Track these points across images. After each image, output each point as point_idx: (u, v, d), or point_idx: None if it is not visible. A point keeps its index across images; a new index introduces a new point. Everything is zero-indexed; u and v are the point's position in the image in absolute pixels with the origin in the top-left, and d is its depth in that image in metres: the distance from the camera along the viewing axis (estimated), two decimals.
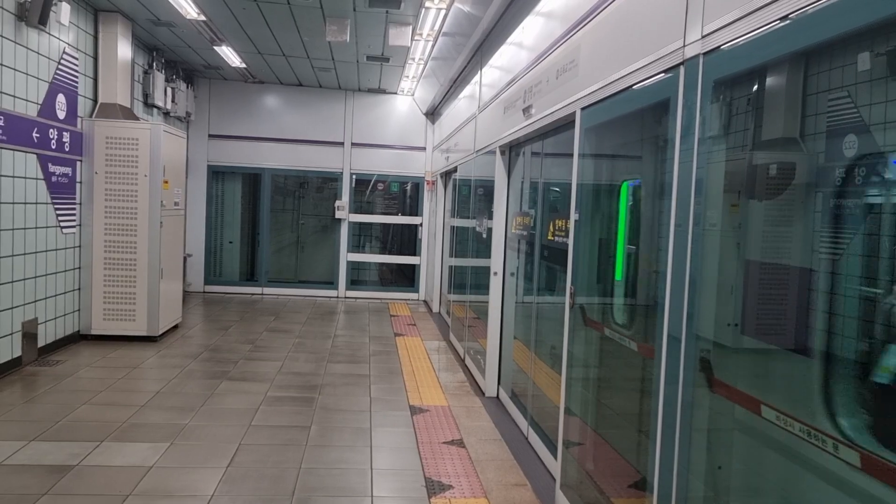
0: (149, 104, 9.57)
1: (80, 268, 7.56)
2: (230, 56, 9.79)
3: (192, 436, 4.86)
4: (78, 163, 7.44)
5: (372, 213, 12.87)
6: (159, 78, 9.67)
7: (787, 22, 1.97)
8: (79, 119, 7.46)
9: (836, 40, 1.93)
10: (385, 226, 13.35)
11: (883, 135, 1.87)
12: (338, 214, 12.17)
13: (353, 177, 12.29)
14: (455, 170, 9.18)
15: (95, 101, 7.87)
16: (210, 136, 11.86)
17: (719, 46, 2.29)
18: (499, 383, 6.24)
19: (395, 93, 12.17)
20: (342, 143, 12.20)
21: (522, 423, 5.32)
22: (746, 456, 2.46)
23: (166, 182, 7.84)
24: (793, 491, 2.21)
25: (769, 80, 2.30)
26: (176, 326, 8.59)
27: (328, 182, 12.65)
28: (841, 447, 1.82)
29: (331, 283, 12.42)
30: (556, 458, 4.05)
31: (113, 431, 4.85)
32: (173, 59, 10.30)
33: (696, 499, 2.48)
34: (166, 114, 10.33)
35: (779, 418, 2.10)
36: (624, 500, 3.31)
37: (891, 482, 1.68)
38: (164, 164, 7.75)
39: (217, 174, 12.17)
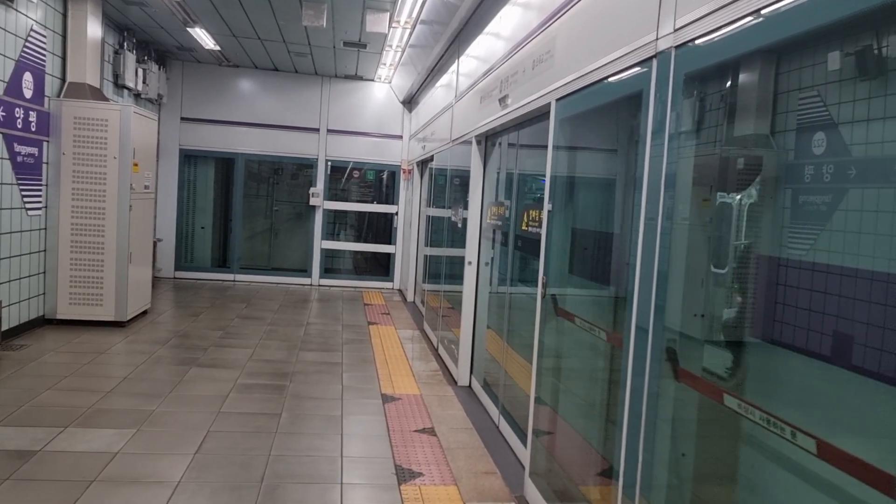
0: (119, 85, 9.39)
1: (45, 250, 7.41)
2: (204, 38, 9.64)
3: (160, 422, 4.81)
4: (45, 143, 7.28)
5: (347, 200, 12.78)
6: (130, 58, 9.48)
7: (757, 17, 1.99)
8: (46, 99, 7.29)
9: (806, 37, 1.95)
10: (360, 214, 13.27)
11: (850, 132, 1.90)
12: (312, 201, 12.08)
13: (329, 164, 12.20)
14: (431, 159, 9.16)
15: (64, 80, 7.70)
16: (182, 119, 11.68)
17: (691, 40, 2.31)
18: (471, 372, 6.26)
19: (373, 80, 12.08)
20: (318, 130, 12.10)
21: (494, 412, 5.35)
22: (711, 443, 2.50)
23: (136, 165, 7.71)
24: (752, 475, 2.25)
25: (741, 76, 2.32)
26: (145, 312, 8.47)
27: (303, 169, 12.53)
28: (799, 434, 1.86)
29: (304, 271, 12.34)
30: (525, 446, 4.08)
31: (78, 417, 4.78)
32: (145, 39, 10.11)
33: (660, 486, 2.52)
34: (137, 95, 10.15)
35: (740, 406, 2.14)
36: (591, 488, 3.35)
37: (845, 468, 1.72)
38: (135, 147, 7.62)
39: (189, 158, 12.00)
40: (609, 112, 3.46)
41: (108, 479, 3.84)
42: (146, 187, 8.22)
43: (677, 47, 2.39)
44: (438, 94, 8.70)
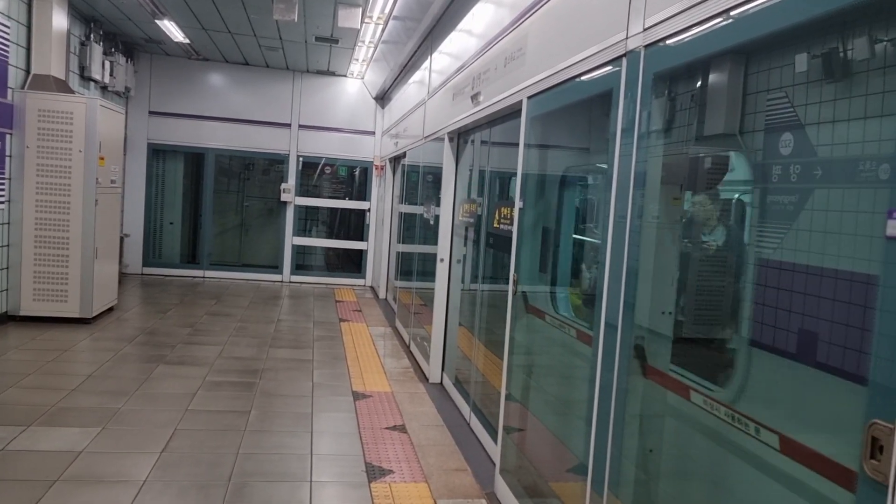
0: (85, 77, 9.20)
1: (8, 245, 7.24)
2: (173, 31, 9.48)
3: (126, 420, 4.73)
4: (8, 136, 7.10)
5: (319, 196, 12.69)
6: (97, 50, 9.30)
7: (726, 18, 2.02)
8: (10, 90, 7.11)
9: (774, 38, 1.98)
10: (332, 210, 13.20)
11: (817, 133, 1.93)
12: (284, 197, 11.97)
13: (301, 159, 12.10)
14: (404, 155, 9.13)
15: (28, 72, 7.52)
16: (151, 112, 11.49)
17: (660, 40, 2.33)
18: (443, 369, 6.26)
19: (345, 75, 12.01)
20: (289, 125, 11.99)
21: (465, 409, 5.36)
22: (678, 439, 2.53)
23: (102, 159, 7.56)
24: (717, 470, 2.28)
25: (711, 77, 2.34)
26: (111, 309, 8.33)
27: (274, 164, 12.42)
28: (762, 430, 1.89)
29: (275, 268, 12.23)
30: (496, 443, 4.09)
31: (41, 415, 4.68)
32: (112, 31, 9.92)
33: (628, 482, 2.54)
34: (104, 88, 9.95)
35: (706, 402, 2.16)
36: (560, 484, 3.37)
37: (806, 463, 1.75)
38: (101, 140, 7.48)
39: (158, 153, 11.81)
40: (580, 110, 3.47)
41: (72, 479, 3.77)
42: (113, 182, 8.07)
43: (647, 47, 2.41)
44: (411, 91, 8.68)
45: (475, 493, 3.97)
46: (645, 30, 2.41)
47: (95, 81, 9.52)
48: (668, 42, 2.30)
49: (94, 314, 7.60)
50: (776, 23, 1.86)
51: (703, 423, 2.26)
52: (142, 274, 11.60)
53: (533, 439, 3.82)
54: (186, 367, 6.16)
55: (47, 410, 4.79)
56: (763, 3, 1.87)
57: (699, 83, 2.41)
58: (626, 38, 2.55)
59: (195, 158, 12.12)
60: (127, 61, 10.68)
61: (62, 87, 7.77)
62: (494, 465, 4.10)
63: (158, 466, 4.02)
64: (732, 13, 1.99)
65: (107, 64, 9.74)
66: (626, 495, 2.51)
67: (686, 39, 2.20)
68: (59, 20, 7.76)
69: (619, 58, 2.61)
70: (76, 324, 7.45)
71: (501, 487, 3.87)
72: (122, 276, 10.19)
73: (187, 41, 10.15)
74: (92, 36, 9.24)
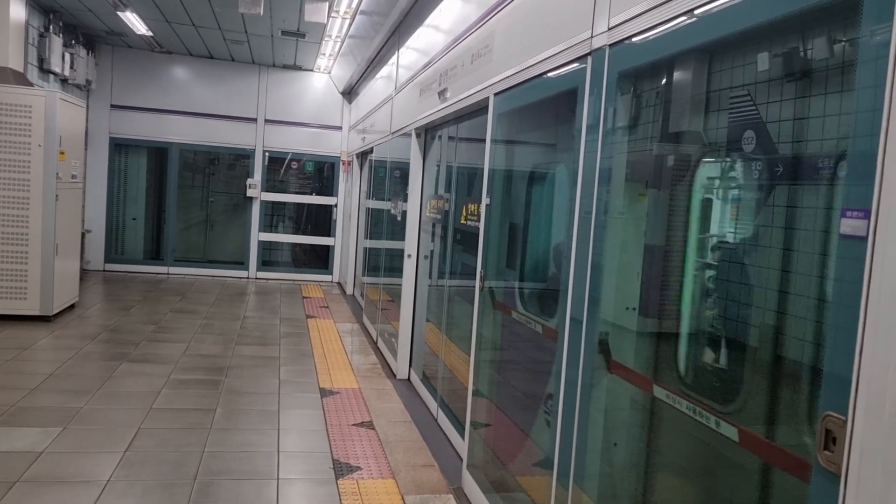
0: (44, 70, 8.97)
1: None
2: (135, 23, 9.29)
3: (88, 420, 4.64)
4: None
5: (286, 192, 12.58)
6: (56, 42, 9.07)
7: (689, 17, 2.05)
8: None
9: (733, 39, 2.02)
10: (299, 206, 13.09)
11: (777, 131, 1.97)
12: (249, 193, 11.84)
13: (267, 154, 11.98)
14: (371, 151, 9.10)
15: None
16: (113, 106, 11.25)
17: (625, 39, 2.36)
18: (410, 365, 6.27)
19: (312, 70, 11.90)
20: (255, 120, 11.85)
21: (432, 405, 5.37)
22: (641, 432, 2.58)
23: (62, 153, 7.39)
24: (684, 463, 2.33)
25: (675, 75, 2.38)
26: (73, 306, 8.15)
27: (240, 159, 12.27)
28: (722, 423, 1.93)
29: (241, 264, 12.09)
30: (463, 438, 4.11)
31: (0, 416, 4.58)
32: (72, 22, 9.68)
33: (592, 475, 2.58)
34: (64, 81, 9.72)
35: (668, 396, 2.21)
36: (527, 478, 3.40)
37: (763, 455, 1.80)
38: (61, 135, 7.31)
39: (120, 147, 11.58)
40: (546, 107, 3.50)
41: (33, 480, 3.69)
42: (73, 177, 7.89)
43: (611, 45, 2.44)
44: (378, 86, 8.64)
45: (443, 488, 3.99)
46: (610, 29, 2.44)
47: (55, 74, 9.29)
48: (632, 41, 2.33)
49: (55, 312, 7.44)
50: (740, 22, 1.89)
51: (665, 416, 2.31)
52: (104, 270, 11.37)
53: (500, 434, 3.85)
54: (150, 364, 6.06)
55: (6, 410, 4.68)
56: (725, 3, 1.91)
57: (664, 81, 2.45)
58: (592, 36, 2.58)
59: (159, 153, 11.91)
60: (88, 54, 10.44)
61: (20, 79, 7.57)
62: (462, 460, 4.12)
63: (122, 466, 3.95)
64: (696, 12, 2.02)
65: (67, 56, 9.51)
66: (590, 488, 2.55)
67: (651, 38, 2.24)
68: (17, 10, 7.56)
69: (584, 56, 2.64)
70: (36, 321, 7.28)
71: (469, 482, 3.89)
72: (84, 273, 9.98)
73: (150, 34, 9.96)
74: (51, 27, 9.01)
